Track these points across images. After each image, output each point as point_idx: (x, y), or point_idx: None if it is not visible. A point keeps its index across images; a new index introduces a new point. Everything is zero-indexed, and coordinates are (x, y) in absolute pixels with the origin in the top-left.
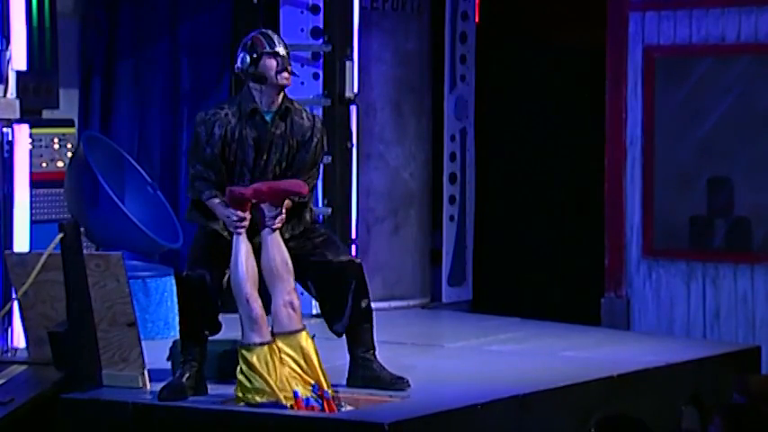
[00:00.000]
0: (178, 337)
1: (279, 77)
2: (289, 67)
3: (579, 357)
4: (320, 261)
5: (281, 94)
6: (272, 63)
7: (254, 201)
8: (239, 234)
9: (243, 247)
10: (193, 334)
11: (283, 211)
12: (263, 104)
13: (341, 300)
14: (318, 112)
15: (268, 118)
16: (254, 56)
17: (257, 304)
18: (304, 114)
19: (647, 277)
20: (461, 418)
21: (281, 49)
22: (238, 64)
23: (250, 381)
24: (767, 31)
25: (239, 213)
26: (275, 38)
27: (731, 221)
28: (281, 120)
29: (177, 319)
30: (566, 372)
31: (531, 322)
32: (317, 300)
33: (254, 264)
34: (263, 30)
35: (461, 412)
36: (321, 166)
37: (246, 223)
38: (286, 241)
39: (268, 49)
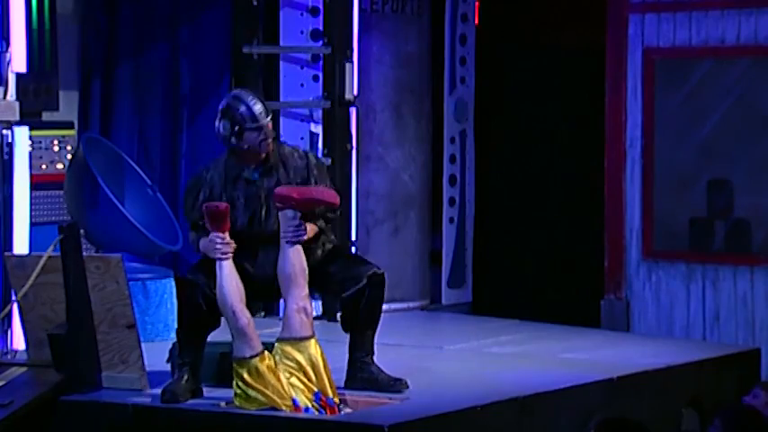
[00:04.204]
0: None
1: (261, 147)
2: (271, 132)
3: (579, 359)
4: (346, 272)
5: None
6: (254, 136)
7: (279, 206)
8: (223, 260)
9: (225, 270)
10: (189, 337)
11: (306, 227)
12: (248, 167)
13: (356, 301)
14: (318, 114)
15: (255, 177)
16: (236, 129)
17: (244, 315)
18: (296, 155)
19: (647, 279)
20: (461, 420)
21: (261, 119)
22: (219, 130)
23: (246, 392)
24: (767, 33)
25: (220, 236)
26: (254, 104)
27: (731, 223)
28: (271, 173)
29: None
30: (565, 374)
31: (531, 324)
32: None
33: (239, 282)
34: (240, 95)
35: (461, 414)
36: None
37: (230, 248)
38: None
39: (250, 124)
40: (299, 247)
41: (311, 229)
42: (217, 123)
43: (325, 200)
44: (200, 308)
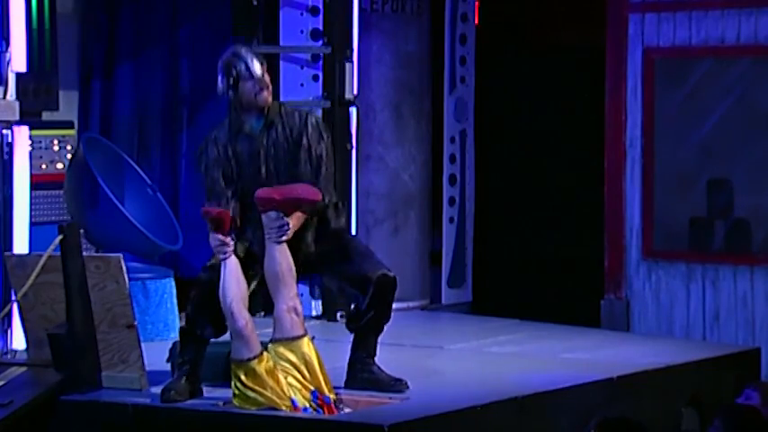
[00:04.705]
0: (178, 338)
1: (258, 99)
2: (268, 86)
3: (579, 359)
4: (350, 269)
5: (267, 106)
6: (249, 86)
7: (261, 208)
8: (224, 259)
9: (229, 268)
10: (195, 335)
11: (290, 223)
12: (249, 121)
13: (363, 303)
14: (318, 113)
15: (256, 131)
16: (231, 81)
17: (242, 316)
18: (296, 115)
19: (647, 279)
20: (461, 420)
21: (256, 70)
22: (219, 86)
23: (244, 393)
24: (767, 32)
25: (219, 237)
26: (249, 57)
27: (731, 223)
28: (270, 129)
29: (177, 320)
30: (565, 373)
31: (531, 324)
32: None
33: (243, 282)
34: (237, 50)
35: (461, 414)
36: (329, 166)
37: (229, 249)
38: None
39: (244, 73)
40: (284, 246)
41: (296, 218)
42: (218, 82)
43: (308, 197)
44: (208, 307)
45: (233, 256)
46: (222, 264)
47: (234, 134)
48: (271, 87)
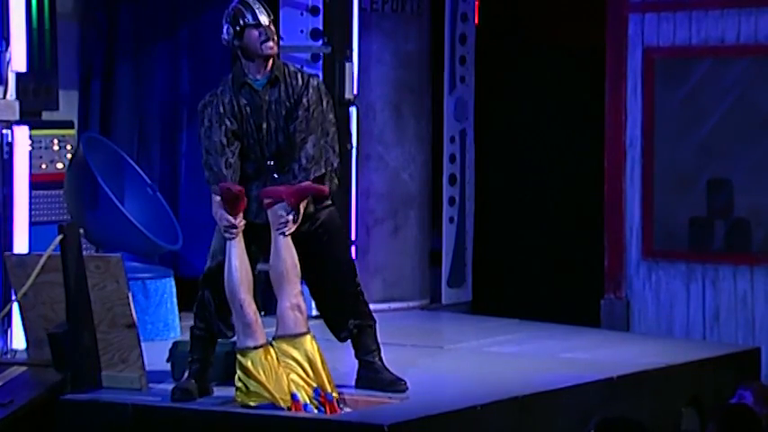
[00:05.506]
0: (178, 338)
1: (263, 48)
2: (274, 36)
3: (579, 359)
4: (316, 258)
5: (271, 62)
6: (255, 34)
7: (268, 201)
8: (230, 240)
9: (236, 251)
10: (206, 331)
11: (300, 215)
12: (253, 74)
13: (337, 307)
14: None
15: (259, 87)
16: (237, 29)
17: (251, 309)
18: (299, 76)
19: (647, 279)
20: (461, 420)
21: (263, 19)
22: (224, 35)
23: (246, 385)
24: (767, 32)
25: (230, 219)
26: (256, 7)
27: (731, 223)
28: (273, 86)
29: (177, 320)
30: (565, 373)
31: (531, 324)
32: (312, 298)
33: (249, 267)
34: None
35: (461, 414)
36: (328, 129)
37: (237, 231)
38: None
39: (250, 20)
40: (290, 243)
41: (302, 205)
42: (223, 32)
43: (315, 188)
44: (217, 303)
45: (239, 239)
46: (228, 245)
47: (237, 88)
48: (276, 38)
